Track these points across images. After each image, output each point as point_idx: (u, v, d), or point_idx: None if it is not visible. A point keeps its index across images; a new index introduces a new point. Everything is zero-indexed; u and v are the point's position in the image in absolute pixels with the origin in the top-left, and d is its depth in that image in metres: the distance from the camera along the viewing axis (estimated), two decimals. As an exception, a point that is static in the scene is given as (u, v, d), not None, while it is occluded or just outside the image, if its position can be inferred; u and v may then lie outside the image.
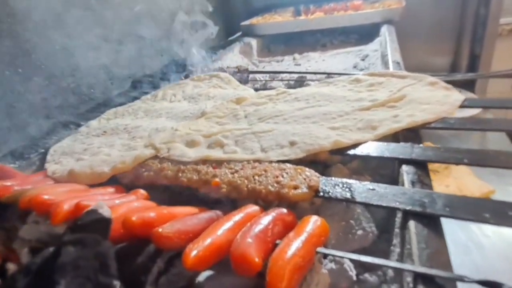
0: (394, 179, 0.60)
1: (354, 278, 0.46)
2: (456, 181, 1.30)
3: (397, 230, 0.49)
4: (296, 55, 1.77)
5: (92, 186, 0.64)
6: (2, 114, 0.86)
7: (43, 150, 0.82)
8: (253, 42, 1.84)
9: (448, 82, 0.83)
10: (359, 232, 0.51)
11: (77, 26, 1.04)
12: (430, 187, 0.51)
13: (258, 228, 0.43)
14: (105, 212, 0.37)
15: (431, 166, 1.56)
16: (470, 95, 2.04)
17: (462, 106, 0.72)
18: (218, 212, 0.52)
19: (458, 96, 0.75)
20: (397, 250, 0.46)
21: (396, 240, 0.48)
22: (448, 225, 0.47)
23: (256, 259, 0.36)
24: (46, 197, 0.51)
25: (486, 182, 1.28)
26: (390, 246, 0.50)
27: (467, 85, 2.26)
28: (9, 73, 0.90)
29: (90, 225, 0.34)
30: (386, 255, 0.51)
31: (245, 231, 0.42)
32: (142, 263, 0.41)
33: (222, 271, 0.45)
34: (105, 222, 0.35)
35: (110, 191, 0.62)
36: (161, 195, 0.64)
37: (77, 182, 0.64)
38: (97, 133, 0.83)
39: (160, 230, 0.40)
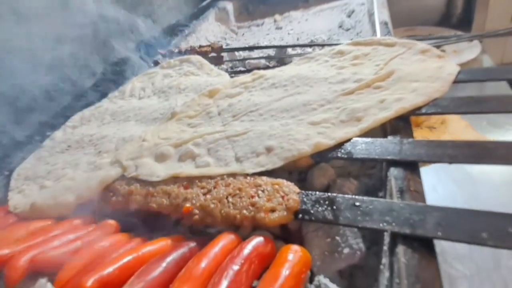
0: (382, 180, 0.55)
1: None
2: (452, 136, 1.26)
3: (385, 248, 0.44)
4: (277, 16, 1.63)
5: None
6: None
7: (7, 173, 0.76)
8: (229, 6, 1.69)
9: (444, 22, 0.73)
10: (346, 250, 0.47)
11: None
12: (421, 194, 0.46)
13: (230, 276, 0.38)
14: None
15: (427, 122, 1.47)
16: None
17: (456, 81, 0.64)
18: (192, 245, 0.48)
19: (451, 68, 0.67)
20: (386, 274, 0.43)
21: (385, 259, 0.44)
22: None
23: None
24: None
25: (483, 134, 1.24)
26: (379, 262, 0.46)
27: (463, 25, 2.11)
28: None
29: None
30: (375, 272, 0.47)
31: (215, 283, 0.38)
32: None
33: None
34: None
35: (76, 224, 0.57)
36: (135, 218, 0.59)
37: (41, 217, 0.59)
38: (61, 149, 0.76)
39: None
